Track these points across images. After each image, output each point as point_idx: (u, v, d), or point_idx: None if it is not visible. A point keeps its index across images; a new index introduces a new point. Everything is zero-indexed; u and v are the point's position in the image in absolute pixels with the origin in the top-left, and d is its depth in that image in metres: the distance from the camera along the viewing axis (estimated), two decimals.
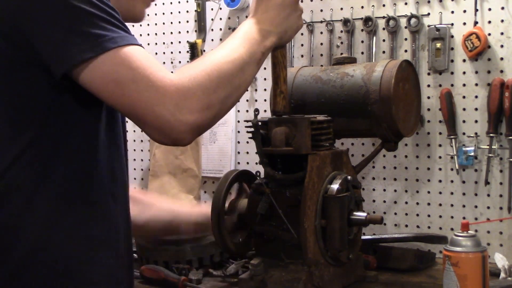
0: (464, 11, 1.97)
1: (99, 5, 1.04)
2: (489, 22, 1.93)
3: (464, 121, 1.98)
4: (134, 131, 2.56)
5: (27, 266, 1.06)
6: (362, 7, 2.12)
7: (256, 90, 2.34)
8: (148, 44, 2.55)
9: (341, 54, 2.05)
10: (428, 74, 2.03)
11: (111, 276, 1.16)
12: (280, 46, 1.43)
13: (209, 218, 1.56)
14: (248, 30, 1.24)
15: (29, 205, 1.06)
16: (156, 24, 2.53)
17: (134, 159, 2.59)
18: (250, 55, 1.20)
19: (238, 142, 2.39)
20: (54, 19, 1.02)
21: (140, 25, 2.55)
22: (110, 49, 1.02)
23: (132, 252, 1.29)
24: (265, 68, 2.31)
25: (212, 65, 1.12)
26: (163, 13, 2.52)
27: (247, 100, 2.36)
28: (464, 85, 1.98)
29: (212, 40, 2.40)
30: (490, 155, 1.92)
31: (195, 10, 2.41)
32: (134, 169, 2.59)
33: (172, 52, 2.48)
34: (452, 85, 1.99)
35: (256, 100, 2.34)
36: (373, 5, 2.10)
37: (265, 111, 2.18)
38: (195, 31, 2.43)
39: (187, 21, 2.47)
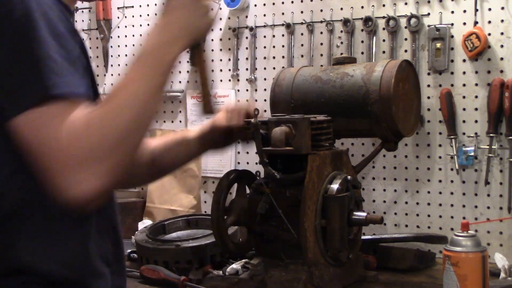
0: (464, 11, 1.97)
1: (24, 47, 1.00)
2: (489, 22, 1.93)
3: (464, 121, 1.98)
4: None
5: (28, 283, 1.07)
6: (362, 7, 2.12)
7: (256, 90, 2.34)
8: None
9: (341, 54, 2.05)
10: (428, 74, 2.03)
11: (107, 285, 1.17)
12: (195, 46, 1.31)
13: (207, 131, 1.59)
14: (147, 52, 1.14)
15: (22, 227, 1.07)
16: None
17: None
18: (152, 81, 1.10)
19: (238, 142, 2.39)
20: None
21: (140, 25, 2.56)
22: (28, 108, 0.99)
23: (122, 262, 1.28)
24: (265, 68, 2.31)
25: (114, 121, 1.03)
26: None
27: (247, 100, 2.36)
28: (464, 85, 1.98)
29: (212, 40, 2.40)
30: (490, 155, 1.91)
31: None
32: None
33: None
34: (452, 85, 1.99)
35: (256, 100, 2.34)
36: (373, 5, 2.10)
37: (265, 111, 2.18)
38: None
39: None
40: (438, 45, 1.99)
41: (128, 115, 1.04)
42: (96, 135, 1.00)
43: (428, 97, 2.02)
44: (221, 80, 2.41)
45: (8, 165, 1.06)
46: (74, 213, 1.04)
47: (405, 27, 2.05)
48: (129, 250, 2.04)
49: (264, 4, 2.31)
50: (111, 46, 2.65)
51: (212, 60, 2.42)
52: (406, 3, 2.05)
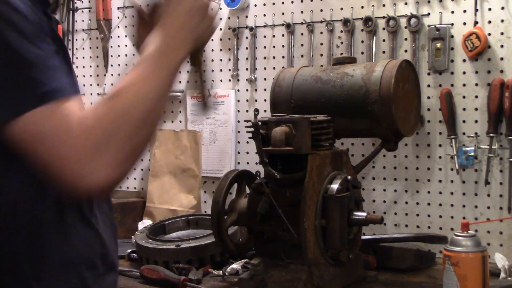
0: (464, 11, 1.97)
1: (23, 46, 1.00)
2: (489, 22, 1.93)
3: (464, 121, 1.98)
4: None
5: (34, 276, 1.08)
6: (362, 7, 2.12)
7: (256, 90, 2.34)
8: None
9: (341, 54, 2.05)
10: (428, 74, 2.03)
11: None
12: (197, 49, 1.31)
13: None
14: (156, 52, 1.15)
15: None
16: None
17: None
18: (162, 81, 1.13)
19: (238, 142, 2.39)
20: None
21: None
22: (30, 108, 1.00)
23: (116, 262, 1.28)
24: (265, 68, 2.31)
25: (125, 113, 1.05)
26: None
27: (247, 100, 2.36)
28: (464, 85, 1.98)
29: (212, 40, 2.40)
30: (490, 155, 1.91)
31: None
32: (134, 169, 2.59)
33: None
34: (452, 85, 1.99)
35: (256, 100, 2.34)
36: (373, 5, 2.10)
37: (265, 111, 2.18)
38: None
39: None
40: (438, 45, 1.99)
41: (139, 110, 1.06)
42: (110, 128, 1.03)
43: (428, 97, 2.02)
44: (221, 80, 2.41)
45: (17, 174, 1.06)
46: (83, 201, 1.09)
47: (405, 27, 2.05)
48: (129, 250, 2.05)
49: (264, 4, 2.31)
50: (111, 46, 2.65)
51: (212, 60, 2.42)
52: (406, 3, 2.05)
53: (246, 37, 2.35)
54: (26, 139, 1.01)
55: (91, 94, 2.72)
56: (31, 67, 1.01)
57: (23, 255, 1.08)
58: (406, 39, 2.06)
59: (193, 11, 1.23)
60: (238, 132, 2.38)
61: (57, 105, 1.01)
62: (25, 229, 1.08)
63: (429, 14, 2.02)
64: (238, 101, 2.38)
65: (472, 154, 1.94)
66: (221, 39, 2.40)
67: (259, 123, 1.56)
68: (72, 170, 1.00)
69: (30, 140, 1.01)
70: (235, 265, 1.83)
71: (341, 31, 2.16)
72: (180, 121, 2.51)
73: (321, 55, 2.20)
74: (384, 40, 2.09)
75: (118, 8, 2.61)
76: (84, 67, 2.72)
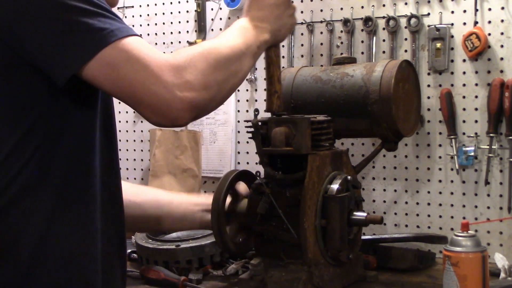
0: (464, 11, 1.97)
1: (90, 0, 1.05)
2: (489, 22, 1.93)
3: (464, 121, 1.98)
4: (134, 131, 2.56)
5: (34, 264, 1.07)
6: (362, 7, 2.12)
7: (256, 90, 2.34)
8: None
9: (341, 54, 2.05)
10: (428, 74, 2.03)
11: (105, 265, 1.17)
12: (274, 45, 1.46)
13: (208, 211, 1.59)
14: (243, 25, 1.29)
15: (29, 208, 1.06)
16: (156, 24, 2.53)
17: (134, 159, 2.59)
18: (246, 46, 1.23)
19: (238, 142, 2.39)
20: (50, 23, 1.02)
21: (140, 25, 2.55)
22: (110, 42, 1.03)
23: (124, 240, 1.29)
24: (265, 68, 2.31)
25: (210, 48, 1.15)
26: (163, 13, 2.52)
27: (247, 100, 2.36)
28: (464, 85, 1.98)
29: None
30: (490, 155, 1.92)
31: (195, 10, 2.41)
32: (134, 169, 2.59)
33: (172, 52, 2.48)
34: (452, 85, 1.99)
35: (256, 100, 2.34)
36: (373, 5, 2.10)
37: (265, 111, 2.17)
38: (195, 31, 2.43)
39: (187, 21, 2.47)
40: (438, 45, 1.99)
41: (218, 51, 1.14)
42: (198, 57, 1.11)
43: (428, 97, 2.02)
44: None
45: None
46: (168, 123, 1.11)
47: (405, 27, 2.05)
48: (129, 250, 2.04)
49: None
50: None
51: None
52: (406, 3, 2.05)
53: None
54: (106, 74, 1.04)
55: None
56: (101, 10, 1.08)
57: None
58: (406, 39, 2.06)
59: (276, 4, 1.35)
60: (238, 132, 2.38)
61: (129, 38, 1.06)
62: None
63: (429, 14, 2.02)
64: (238, 101, 2.38)
65: (472, 154, 1.94)
66: None
67: (259, 123, 1.56)
68: (156, 91, 1.04)
69: (110, 74, 1.04)
70: (235, 265, 1.83)
71: (341, 31, 2.16)
72: None
73: (321, 55, 2.20)
74: (384, 40, 2.09)
75: (118, 8, 2.61)
76: None
